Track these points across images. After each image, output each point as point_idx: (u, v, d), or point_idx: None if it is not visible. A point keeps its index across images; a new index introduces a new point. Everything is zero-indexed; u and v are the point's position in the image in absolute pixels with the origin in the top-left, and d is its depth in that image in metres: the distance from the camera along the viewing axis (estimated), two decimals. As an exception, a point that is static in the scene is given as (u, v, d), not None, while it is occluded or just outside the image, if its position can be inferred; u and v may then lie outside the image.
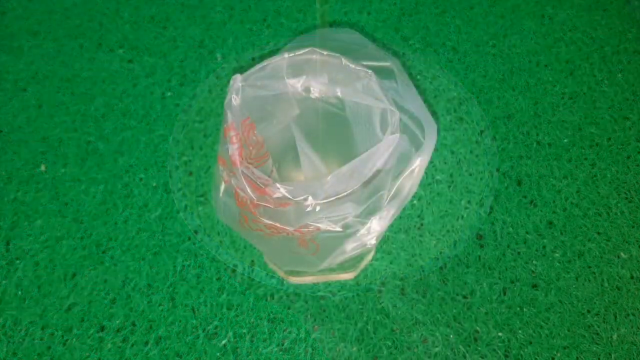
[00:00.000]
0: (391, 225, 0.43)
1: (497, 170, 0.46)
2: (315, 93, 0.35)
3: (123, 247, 0.43)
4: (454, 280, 0.42)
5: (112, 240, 0.44)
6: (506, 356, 0.39)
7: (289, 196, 0.28)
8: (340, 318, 0.40)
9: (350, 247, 0.32)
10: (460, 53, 0.53)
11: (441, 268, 0.42)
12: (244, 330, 0.40)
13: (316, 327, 0.40)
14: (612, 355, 0.39)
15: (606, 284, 0.41)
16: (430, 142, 0.32)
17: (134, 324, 0.40)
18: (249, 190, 0.29)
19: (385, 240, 0.43)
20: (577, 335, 0.39)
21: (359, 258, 0.40)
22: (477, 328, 0.40)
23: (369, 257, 0.42)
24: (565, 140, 0.48)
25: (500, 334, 0.39)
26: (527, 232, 0.43)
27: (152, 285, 0.42)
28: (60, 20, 0.55)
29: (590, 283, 0.41)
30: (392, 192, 0.31)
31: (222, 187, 0.31)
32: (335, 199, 0.29)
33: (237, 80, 0.31)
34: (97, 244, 0.44)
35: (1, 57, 0.53)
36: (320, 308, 0.41)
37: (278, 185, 0.29)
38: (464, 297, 0.41)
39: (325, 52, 0.33)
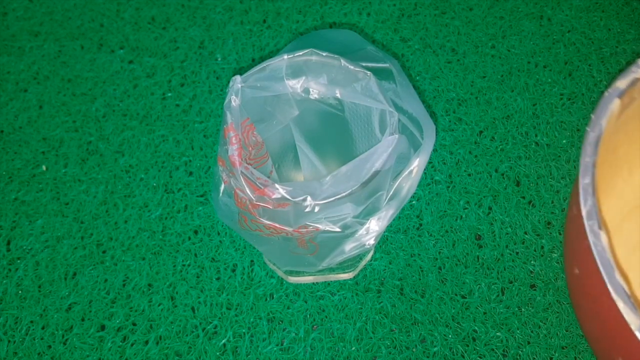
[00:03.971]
0: (390, 226, 0.43)
1: (496, 170, 0.47)
2: (314, 94, 0.35)
3: (123, 247, 0.44)
4: (452, 280, 0.42)
5: (113, 240, 0.44)
6: (504, 356, 0.39)
7: (288, 197, 0.29)
8: (339, 318, 0.41)
9: (349, 248, 0.32)
10: (459, 54, 0.53)
11: (440, 268, 0.42)
12: (244, 330, 0.40)
13: (315, 326, 0.40)
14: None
15: (604, 284, 0.41)
16: (429, 143, 0.32)
17: (134, 324, 0.41)
18: (248, 190, 0.29)
19: (384, 241, 0.43)
20: (575, 336, 0.39)
21: (358, 258, 0.41)
22: (476, 328, 0.40)
23: (368, 257, 0.42)
24: (564, 141, 0.48)
25: (498, 333, 0.40)
26: (525, 233, 0.44)
27: (152, 284, 0.42)
28: (61, 21, 0.56)
29: (588, 283, 0.41)
30: (390, 193, 0.32)
31: (222, 187, 0.32)
32: (334, 199, 0.29)
33: (237, 81, 0.32)
34: (98, 244, 0.44)
35: (2, 57, 0.54)
36: (320, 308, 0.41)
37: (277, 185, 0.29)
38: (463, 297, 0.41)
39: (324, 54, 0.34)
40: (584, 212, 0.28)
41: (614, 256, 0.27)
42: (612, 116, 0.32)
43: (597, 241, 0.28)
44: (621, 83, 0.33)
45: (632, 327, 0.25)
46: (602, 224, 0.28)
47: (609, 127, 0.32)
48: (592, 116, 0.32)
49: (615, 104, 0.32)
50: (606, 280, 0.27)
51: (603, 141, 0.32)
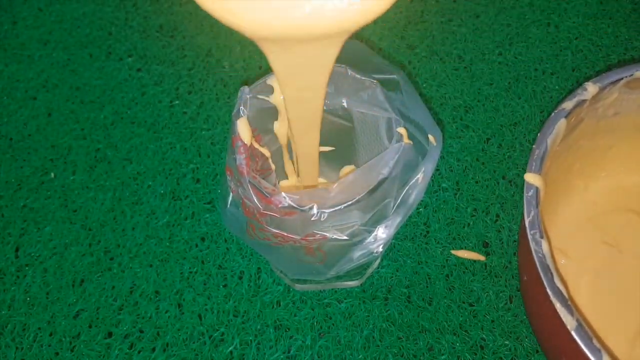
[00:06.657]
0: (397, 233, 0.43)
1: (503, 177, 0.46)
2: (321, 102, 0.35)
3: (131, 254, 0.44)
4: (460, 288, 0.42)
5: (120, 247, 0.44)
6: (512, 365, 0.39)
7: (295, 205, 0.29)
8: (346, 325, 0.40)
9: (357, 255, 0.32)
10: (466, 61, 0.53)
11: (447, 276, 0.42)
12: (250, 338, 0.40)
13: (322, 334, 0.40)
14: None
15: (613, 293, 0.41)
16: (435, 150, 0.32)
17: (141, 331, 0.41)
18: (255, 199, 0.29)
19: (391, 248, 0.43)
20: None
21: (365, 266, 0.41)
22: (484, 336, 0.40)
23: (375, 264, 0.42)
24: (571, 148, 0.48)
25: (506, 342, 0.39)
26: (533, 240, 0.43)
27: (159, 292, 0.42)
28: (70, 29, 0.56)
29: (597, 291, 0.41)
30: (398, 200, 0.32)
31: (230, 197, 0.32)
32: (342, 207, 0.29)
33: (245, 91, 0.32)
34: (105, 251, 0.44)
35: (12, 65, 0.54)
36: (327, 315, 0.41)
37: (284, 194, 0.29)
38: (470, 305, 0.41)
39: (331, 62, 0.34)
40: (526, 222, 0.31)
41: (554, 262, 0.30)
42: (558, 135, 0.34)
43: (538, 248, 0.30)
44: (567, 104, 0.35)
45: (569, 327, 0.28)
46: (544, 233, 0.31)
47: (555, 145, 0.34)
48: (539, 135, 0.34)
49: (561, 123, 0.34)
50: (545, 284, 0.29)
51: (553, 158, 0.35)
